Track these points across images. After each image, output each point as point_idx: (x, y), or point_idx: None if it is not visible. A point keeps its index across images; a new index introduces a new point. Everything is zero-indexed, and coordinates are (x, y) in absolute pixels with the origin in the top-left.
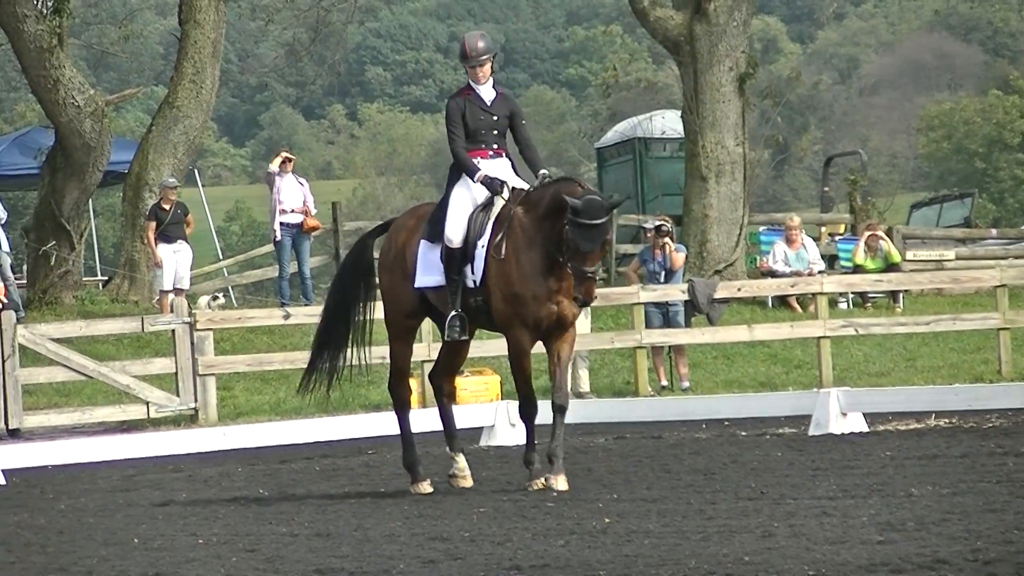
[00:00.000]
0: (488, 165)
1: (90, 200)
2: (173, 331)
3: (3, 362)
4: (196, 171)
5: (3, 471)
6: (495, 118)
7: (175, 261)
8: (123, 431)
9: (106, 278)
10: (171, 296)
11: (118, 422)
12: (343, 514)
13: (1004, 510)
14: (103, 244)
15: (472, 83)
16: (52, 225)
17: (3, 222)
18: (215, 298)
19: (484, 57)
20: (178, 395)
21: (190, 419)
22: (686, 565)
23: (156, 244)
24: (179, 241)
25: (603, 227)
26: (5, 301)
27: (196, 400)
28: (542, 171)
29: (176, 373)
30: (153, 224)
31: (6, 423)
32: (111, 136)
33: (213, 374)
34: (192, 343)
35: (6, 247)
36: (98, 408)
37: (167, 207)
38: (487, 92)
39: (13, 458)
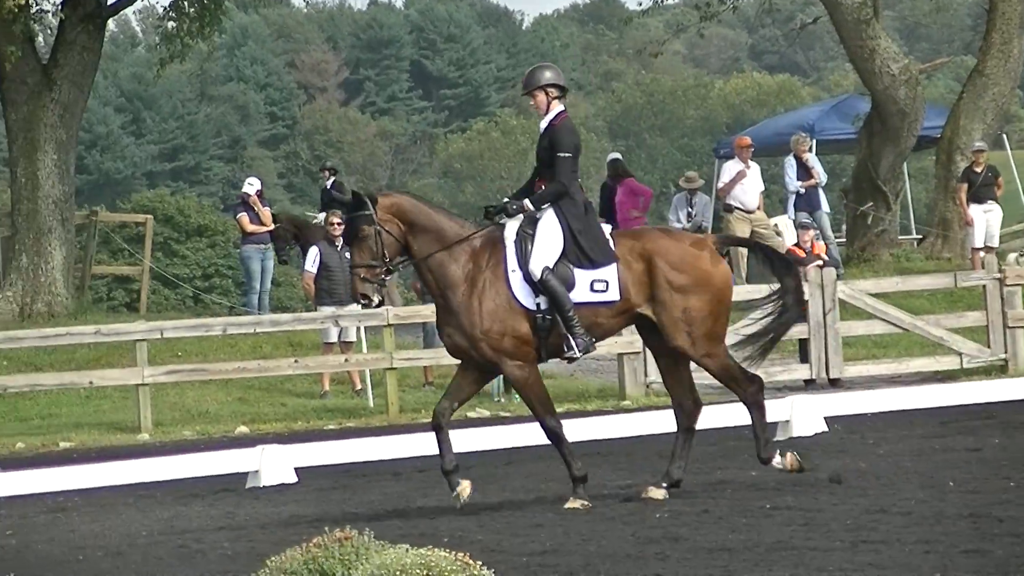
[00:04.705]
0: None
1: (904, 163)
2: (984, 286)
3: (824, 316)
4: (1004, 135)
5: (825, 418)
6: (540, 150)
7: (985, 220)
8: (937, 381)
9: (920, 236)
10: (982, 253)
11: (932, 372)
12: None
13: None
14: (916, 205)
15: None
16: (869, 187)
17: (822, 184)
18: (1023, 255)
19: (534, 89)
20: (989, 347)
21: (1000, 369)
22: None
23: (967, 205)
24: (989, 202)
25: (346, 222)
26: (826, 259)
27: (1006, 351)
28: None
29: (987, 326)
30: (965, 186)
31: (827, 373)
32: (924, 103)
33: (1022, 327)
34: (1002, 298)
35: (825, 207)
36: (913, 359)
37: (979, 170)
38: (544, 124)
39: (834, 406)
